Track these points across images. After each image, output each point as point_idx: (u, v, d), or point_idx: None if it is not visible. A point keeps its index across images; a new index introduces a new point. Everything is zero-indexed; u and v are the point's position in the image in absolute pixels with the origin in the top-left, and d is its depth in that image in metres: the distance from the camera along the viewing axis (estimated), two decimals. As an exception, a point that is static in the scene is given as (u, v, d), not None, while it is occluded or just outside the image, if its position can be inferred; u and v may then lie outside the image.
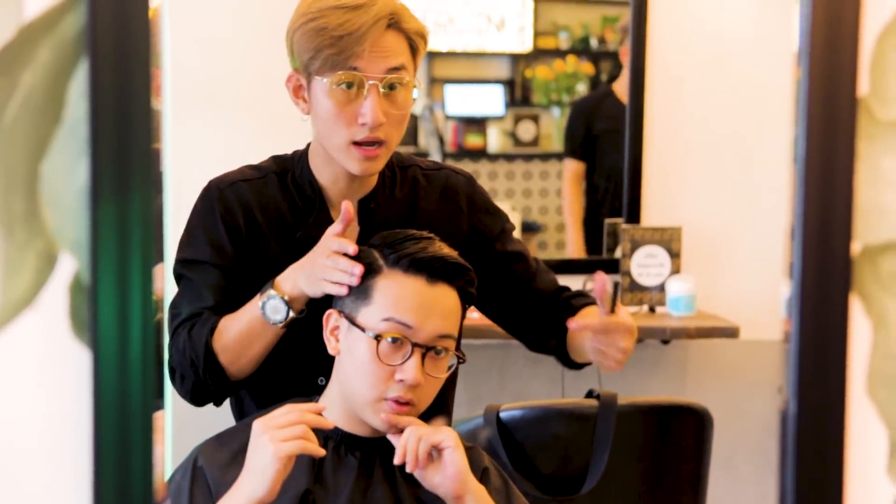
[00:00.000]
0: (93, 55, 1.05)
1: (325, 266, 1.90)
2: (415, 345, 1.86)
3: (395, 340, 1.85)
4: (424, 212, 2.12)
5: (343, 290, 1.89)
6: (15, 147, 1.07)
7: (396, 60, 1.97)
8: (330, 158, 2.03)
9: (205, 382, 2.02)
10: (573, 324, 1.95)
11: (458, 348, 1.93)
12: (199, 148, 3.68)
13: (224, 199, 2.06)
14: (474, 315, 2.27)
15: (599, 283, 1.89)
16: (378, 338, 1.85)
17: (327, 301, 1.94)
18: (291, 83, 2.04)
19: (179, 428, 3.10)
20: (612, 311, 1.90)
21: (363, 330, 1.87)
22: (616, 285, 1.90)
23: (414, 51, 2.01)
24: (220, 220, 2.04)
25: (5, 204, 1.07)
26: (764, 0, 3.98)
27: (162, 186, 1.10)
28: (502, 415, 2.51)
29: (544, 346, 2.23)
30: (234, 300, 2.02)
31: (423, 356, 1.86)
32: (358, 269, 1.87)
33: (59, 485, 1.09)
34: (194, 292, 2.05)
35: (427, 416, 1.92)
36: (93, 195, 1.05)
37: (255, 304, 1.97)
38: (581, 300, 2.18)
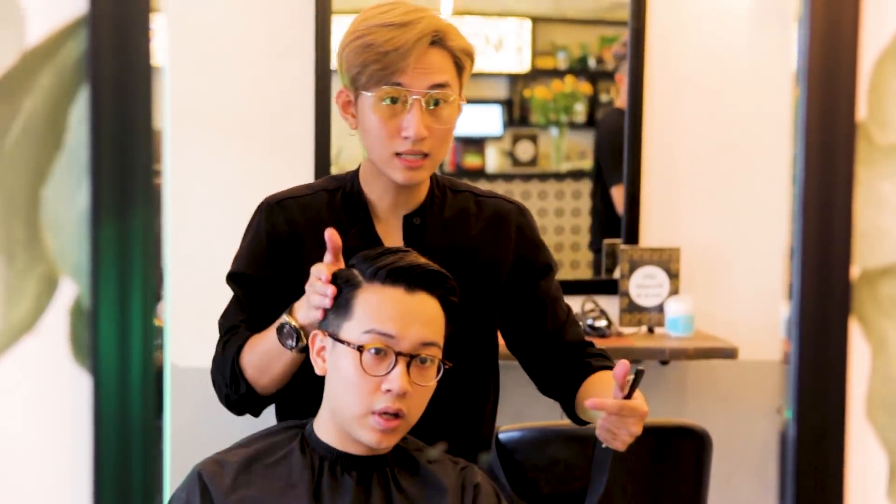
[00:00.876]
0: (93, 81, 1.05)
1: (308, 291, 1.94)
2: (398, 354, 1.86)
3: (378, 351, 1.86)
4: (471, 236, 2.15)
5: (319, 314, 1.92)
6: (16, 172, 1.07)
7: (440, 77, 2.02)
8: (378, 173, 2.08)
9: (236, 395, 2.07)
10: (590, 403, 1.94)
11: (445, 358, 1.93)
12: (199, 170, 3.68)
13: (272, 215, 2.12)
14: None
15: (622, 369, 1.90)
16: (361, 349, 1.86)
17: None
18: (340, 99, 2.10)
19: (178, 448, 3.09)
20: (629, 396, 1.91)
21: (346, 344, 1.87)
22: (639, 373, 1.91)
23: (459, 68, 2.06)
24: (265, 236, 2.11)
25: (6, 229, 1.07)
26: (762, 21, 3.98)
27: (162, 210, 1.09)
28: (501, 436, 2.51)
29: (555, 393, 2.24)
30: (272, 312, 2.05)
31: (409, 365, 1.87)
32: (329, 290, 1.90)
33: (59, 510, 1.09)
34: (237, 306, 2.12)
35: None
36: (93, 220, 1.05)
37: (275, 326, 2.00)
38: (600, 361, 2.19)
